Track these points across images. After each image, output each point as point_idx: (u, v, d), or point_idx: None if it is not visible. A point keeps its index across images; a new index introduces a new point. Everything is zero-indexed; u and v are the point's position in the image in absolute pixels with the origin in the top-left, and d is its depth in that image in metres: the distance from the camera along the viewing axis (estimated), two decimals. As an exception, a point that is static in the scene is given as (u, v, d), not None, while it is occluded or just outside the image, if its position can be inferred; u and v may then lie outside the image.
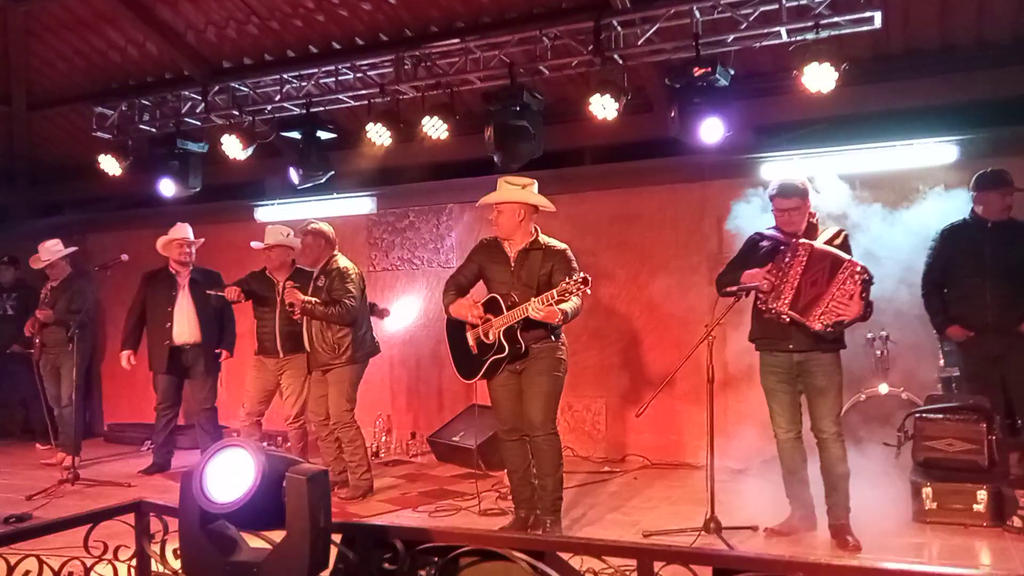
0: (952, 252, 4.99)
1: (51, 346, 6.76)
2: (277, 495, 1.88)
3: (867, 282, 4.04)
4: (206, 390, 6.49)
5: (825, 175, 5.39)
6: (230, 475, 1.87)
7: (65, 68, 8.00)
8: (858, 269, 4.05)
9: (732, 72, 5.43)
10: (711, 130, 5.43)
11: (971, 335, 4.93)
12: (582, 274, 4.09)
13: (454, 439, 6.58)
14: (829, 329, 4.08)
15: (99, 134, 7.45)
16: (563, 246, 4.53)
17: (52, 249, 6.82)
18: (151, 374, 6.58)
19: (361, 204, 7.78)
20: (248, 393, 5.94)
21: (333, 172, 6.95)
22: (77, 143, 8.35)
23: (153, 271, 6.61)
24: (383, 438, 7.17)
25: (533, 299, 4.21)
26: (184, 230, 6.48)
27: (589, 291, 4.07)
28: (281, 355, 5.83)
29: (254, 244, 5.97)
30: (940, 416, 4.81)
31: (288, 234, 5.86)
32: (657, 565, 2.12)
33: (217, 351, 6.56)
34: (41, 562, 2.65)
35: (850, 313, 4.04)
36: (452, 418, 6.90)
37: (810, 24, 5.14)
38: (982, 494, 4.45)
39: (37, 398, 7.07)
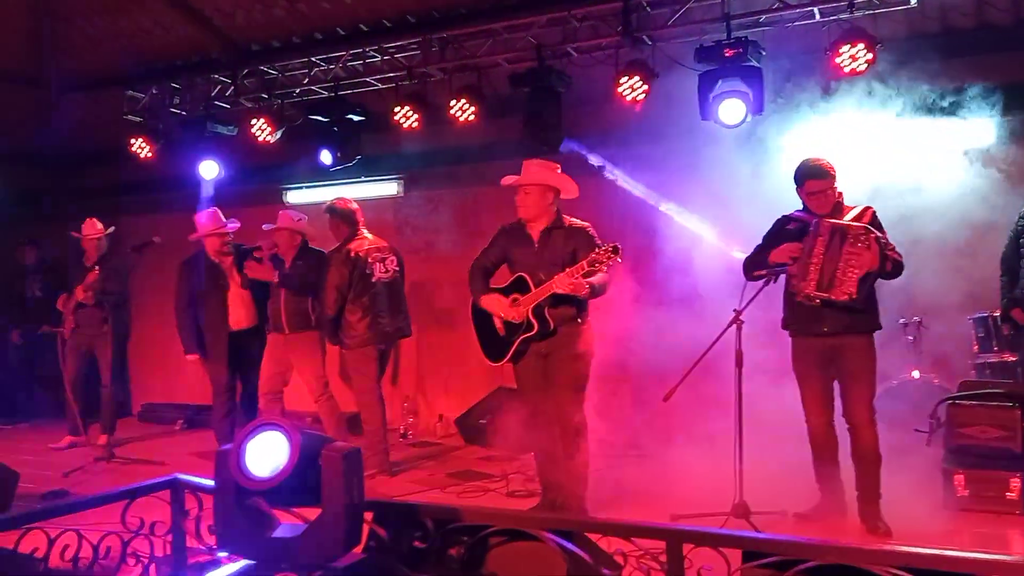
0: (1021, 234, 4.87)
1: (84, 327, 6.78)
2: (313, 472, 1.91)
3: (878, 239, 4.00)
4: (256, 371, 6.40)
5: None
6: (267, 453, 1.91)
7: (96, 51, 8.06)
8: (861, 233, 4.00)
9: (764, 52, 5.36)
10: (731, 111, 5.38)
11: None
12: (612, 244, 4.06)
13: (481, 421, 6.61)
14: (853, 298, 4.02)
15: (130, 117, 7.53)
16: (585, 224, 4.51)
17: (97, 226, 6.90)
18: (182, 355, 6.62)
19: (388, 187, 7.80)
20: (261, 372, 6.07)
21: (360, 156, 6.97)
22: (108, 126, 8.42)
23: (190, 260, 6.33)
24: (410, 420, 7.22)
25: (560, 273, 4.19)
26: (212, 223, 6.16)
27: (620, 259, 4.04)
28: (287, 331, 5.91)
29: (265, 227, 6.10)
30: (973, 403, 4.74)
31: (300, 219, 6.01)
32: (687, 547, 2.12)
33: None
34: (80, 537, 2.71)
35: (861, 266, 3.97)
36: (479, 400, 6.93)
37: (844, 3, 5.05)
38: (1015, 482, 4.39)
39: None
